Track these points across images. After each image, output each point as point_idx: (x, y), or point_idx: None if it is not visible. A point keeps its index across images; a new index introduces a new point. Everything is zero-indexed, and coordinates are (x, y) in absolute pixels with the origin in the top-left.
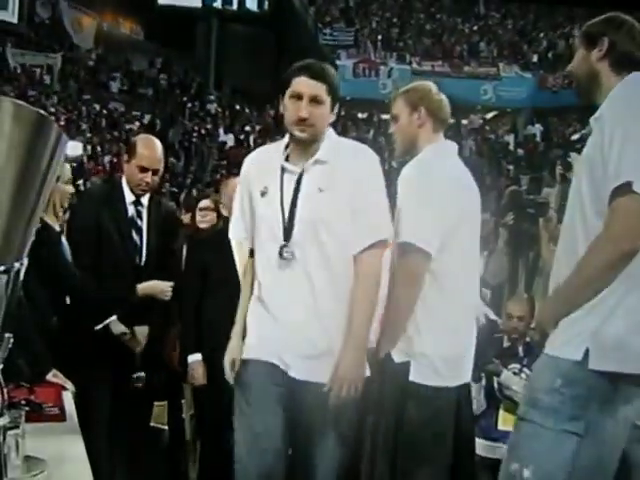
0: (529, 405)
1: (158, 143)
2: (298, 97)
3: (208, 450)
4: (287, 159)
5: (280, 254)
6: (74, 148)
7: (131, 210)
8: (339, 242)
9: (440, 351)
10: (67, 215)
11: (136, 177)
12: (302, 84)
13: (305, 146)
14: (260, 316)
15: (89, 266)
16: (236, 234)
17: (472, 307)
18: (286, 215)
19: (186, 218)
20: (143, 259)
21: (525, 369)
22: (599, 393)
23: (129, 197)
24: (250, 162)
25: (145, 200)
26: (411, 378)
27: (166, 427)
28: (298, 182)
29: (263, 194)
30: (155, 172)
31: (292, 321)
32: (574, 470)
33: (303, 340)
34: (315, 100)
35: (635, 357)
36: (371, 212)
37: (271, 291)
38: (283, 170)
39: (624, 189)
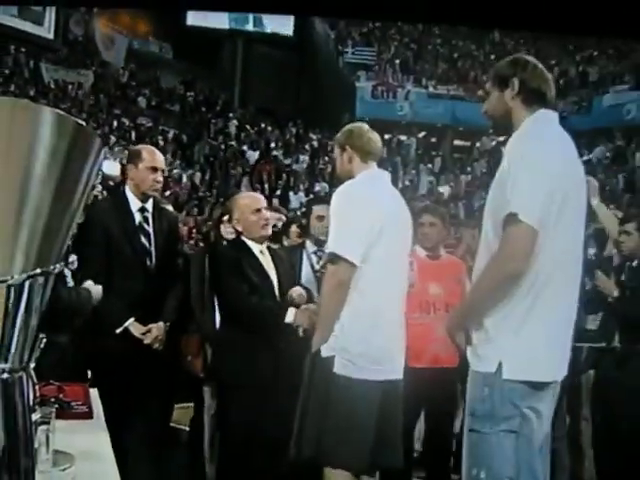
0: (470, 416)
1: (155, 149)
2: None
3: (229, 450)
4: None
5: None
6: (112, 167)
7: (138, 217)
8: None
9: (360, 348)
10: None
11: (148, 178)
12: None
13: None
14: None
15: (99, 272)
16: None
17: (398, 310)
18: None
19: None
20: (153, 262)
21: None
22: (521, 395)
23: (134, 205)
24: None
25: (149, 206)
26: (334, 370)
27: (186, 428)
28: None
29: None
30: (162, 172)
31: None
32: (518, 462)
33: None
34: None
35: (537, 367)
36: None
37: None
38: None
39: (513, 218)
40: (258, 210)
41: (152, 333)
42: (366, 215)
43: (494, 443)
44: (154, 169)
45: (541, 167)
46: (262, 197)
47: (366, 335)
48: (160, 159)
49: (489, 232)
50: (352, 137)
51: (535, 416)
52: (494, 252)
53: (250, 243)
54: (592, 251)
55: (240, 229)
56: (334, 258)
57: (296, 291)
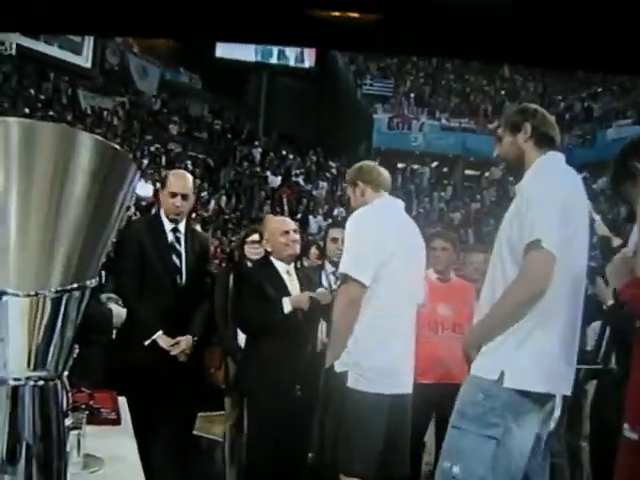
0: (458, 415)
1: (187, 174)
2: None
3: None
4: None
5: None
6: (144, 189)
7: (170, 237)
8: None
9: (372, 363)
10: None
11: (169, 203)
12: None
13: None
14: None
15: (131, 287)
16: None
17: (409, 328)
18: None
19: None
20: (184, 280)
21: None
22: (512, 406)
23: (168, 225)
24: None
25: (182, 227)
26: (348, 384)
27: (207, 435)
28: None
29: None
30: (184, 197)
31: None
32: (493, 468)
33: None
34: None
35: (538, 379)
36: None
37: None
38: None
39: (535, 244)
40: (287, 232)
41: (180, 345)
42: (377, 237)
43: (473, 443)
44: (173, 194)
45: (555, 200)
46: (290, 220)
47: (378, 350)
48: (180, 184)
49: (506, 259)
50: (362, 173)
51: (520, 431)
52: (513, 276)
53: (277, 263)
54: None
55: (269, 249)
56: (345, 278)
57: (319, 289)
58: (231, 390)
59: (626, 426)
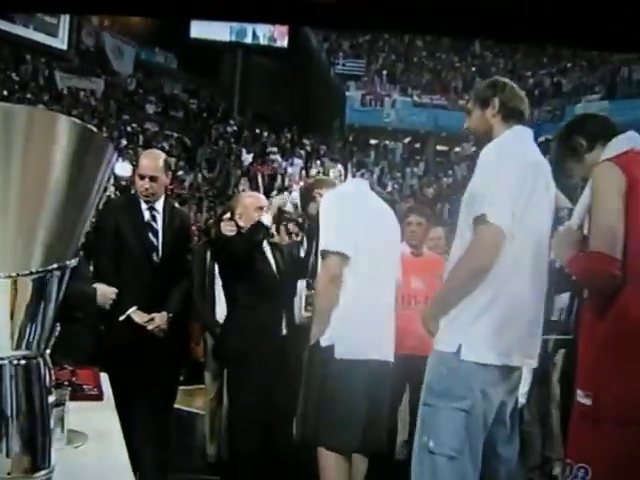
0: (427, 391)
1: (158, 155)
2: None
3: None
4: None
5: None
6: (123, 169)
7: (147, 215)
8: None
9: (358, 334)
10: None
11: (137, 185)
12: None
13: None
14: None
15: (108, 266)
16: None
17: (389, 299)
18: None
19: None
20: (160, 257)
21: None
22: (475, 378)
23: (144, 204)
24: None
25: (159, 206)
26: (336, 356)
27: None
28: None
29: None
30: (153, 179)
31: None
32: (466, 438)
33: None
34: None
35: (495, 352)
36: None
37: None
38: None
39: (482, 219)
40: (260, 208)
41: (154, 321)
42: (354, 213)
43: (444, 418)
44: (142, 177)
45: (509, 171)
46: (263, 197)
47: (363, 322)
48: (149, 166)
49: (465, 231)
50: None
51: (486, 400)
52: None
53: None
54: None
55: (242, 225)
56: (326, 254)
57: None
58: (213, 359)
59: (580, 392)
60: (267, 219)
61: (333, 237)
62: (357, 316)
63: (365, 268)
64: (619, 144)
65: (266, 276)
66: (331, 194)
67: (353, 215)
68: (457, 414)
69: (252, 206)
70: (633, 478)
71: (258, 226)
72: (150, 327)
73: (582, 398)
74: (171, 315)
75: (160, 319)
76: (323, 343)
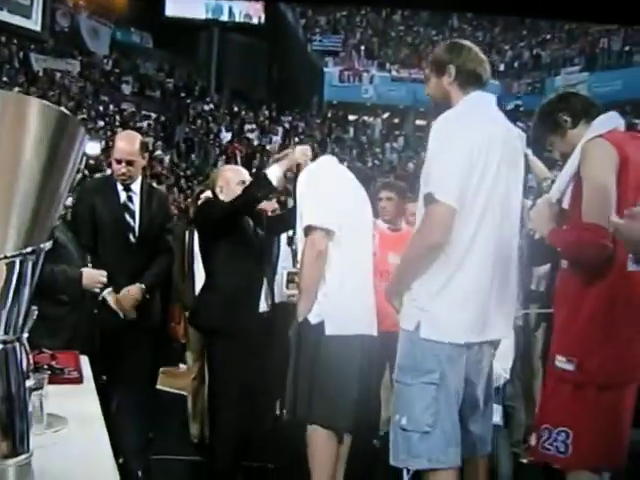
0: (397, 368)
1: (134, 137)
2: None
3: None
4: None
5: None
6: (92, 148)
7: (123, 196)
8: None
9: (346, 310)
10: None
11: (114, 168)
12: None
13: None
14: None
15: (87, 245)
16: None
17: (370, 274)
18: None
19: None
20: (137, 238)
21: None
22: (440, 352)
23: (121, 185)
24: None
25: (136, 187)
26: (327, 333)
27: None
28: None
29: None
30: (129, 163)
31: None
32: (438, 412)
33: None
34: None
35: (453, 329)
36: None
37: None
38: None
39: (430, 197)
40: (243, 182)
41: (130, 292)
42: (335, 189)
43: (415, 393)
44: (118, 161)
45: (459, 147)
46: (245, 171)
47: (350, 297)
48: (125, 150)
49: (422, 207)
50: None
51: (454, 371)
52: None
53: None
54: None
55: (223, 198)
56: (310, 229)
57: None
58: (193, 325)
59: (560, 358)
60: (275, 173)
61: (317, 213)
62: (344, 291)
63: (348, 243)
64: (605, 122)
65: (247, 246)
66: (309, 171)
67: (334, 191)
68: (427, 388)
69: (233, 180)
70: (611, 440)
71: (261, 179)
72: (127, 301)
73: (563, 364)
74: (144, 287)
75: (135, 291)
76: (312, 320)
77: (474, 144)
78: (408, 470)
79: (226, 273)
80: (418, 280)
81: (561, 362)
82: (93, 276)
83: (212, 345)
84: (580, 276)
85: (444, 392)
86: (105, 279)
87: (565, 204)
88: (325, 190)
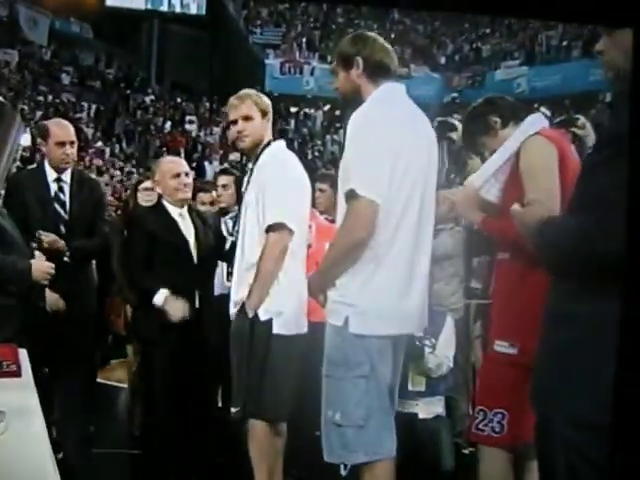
0: (326, 362)
1: (67, 122)
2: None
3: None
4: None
5: None
6: (24, 139)
7: (54, 187)
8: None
9: (291, 308)
10: None
11: (57, 153)
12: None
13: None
14: None
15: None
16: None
17: (304, 264)
18: None
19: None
20: (68, 229)
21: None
22: (370, 345)
23: (51, 176)
24: None
25: (67, 177)
26: (274, 331)
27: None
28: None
29: None
30: (72, 144)
31: None
32: (369, 405)
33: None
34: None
35: (380, 322)
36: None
37: None
38: None
39: (352, 193)
40: (178, 175)
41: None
42: (293, 180)
43: (346, 388)
44: (62, 143)
45: (378, 141)
46: (184, 162)
47: (294, 295)
48: (65, 132)
49: (343, 203)
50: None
51: (383, 363)
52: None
53: (169, 207)
54: None
55: (160, 191)
56: (280, 226)
57: None
58: (133, 336)
59: (500, 342)
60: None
61: (284, 209)
62: (293, 290)
63: (295, 242)
64: (536, 121)
65: (179, 249)
66: (275, 160)
67: (294, 183)
68: (358, 381)
69: (170, 172)
70: None
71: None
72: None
73: (505, 348)
74: (67, 249)
75: (53, 241)
76: (262, 317)
77: (394, 137)
78: (345, 465)
79: (159, 282)
80: (343, 277)
81: (502, 347)
82: (41, 268)
83: (146, 354)
84: (518, 263)
85: (375, 384)
86: (53, 271)
87: (492, 197)
88: (289, 183)
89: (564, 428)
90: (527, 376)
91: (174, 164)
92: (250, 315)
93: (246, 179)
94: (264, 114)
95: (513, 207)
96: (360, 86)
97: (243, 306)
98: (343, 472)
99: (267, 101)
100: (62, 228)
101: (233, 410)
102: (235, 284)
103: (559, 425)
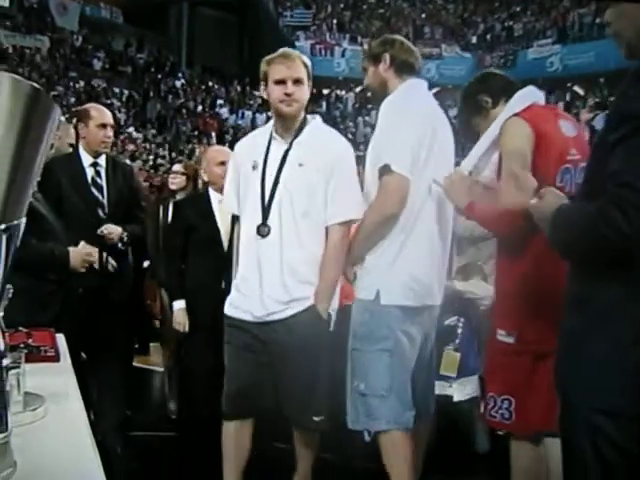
0: (353, 336)
1: (104, 108)
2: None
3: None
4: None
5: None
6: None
7: (90, 172)
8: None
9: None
10: None
11: (99, 135)
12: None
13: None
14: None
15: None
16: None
17: None
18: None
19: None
20: (106, 212)
21: (462, 319)
22: (395, 319)
23: (87, 161)
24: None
25: (102, 161)
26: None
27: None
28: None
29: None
30: (112, 127)
31: None
32: (392, 377)
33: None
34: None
35: (413, 293)
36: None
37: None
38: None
39: (386, 168)
40: (222, 163)
41: (109, 233)
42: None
43: (371, 360)
44: (103, 125)
45: (407, 122)
46: (229, 151)
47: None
48: (106, 115)
49: (369, 181)
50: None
51: (407, 339)
52: (373, 198)
53: (212, 195)
54: None
55: (206, 179)
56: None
57: None
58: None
59: (501, 331)
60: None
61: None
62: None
63: None
64: (522, 99)
65: (211, 239)
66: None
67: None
68: (382, 355)
69: (213, 160)
70: (550, 405)
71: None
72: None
73: (504, 337)
74: (126, 234)
75: (114, 229)
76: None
77: (419, 121)
78: (369, 432)
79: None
80: (372, 254)
81: (502, 335)
82: (80, 256)
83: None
84: (504, 251)
85: (398, 359)
86: (92, 258)
87: (484, 180)
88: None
89: (591, 415)
90: (529, 364)
91: (219, 153)
92: (325, 316)
93: (277, 155)
94: (308, 80)
95: (531, 202)
96: (387, 80)
97: (307, 309)
98: (367, 438)
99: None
100: (101, 213)
101: (316, 419)
102: (277, 280)
103: (586, 412)
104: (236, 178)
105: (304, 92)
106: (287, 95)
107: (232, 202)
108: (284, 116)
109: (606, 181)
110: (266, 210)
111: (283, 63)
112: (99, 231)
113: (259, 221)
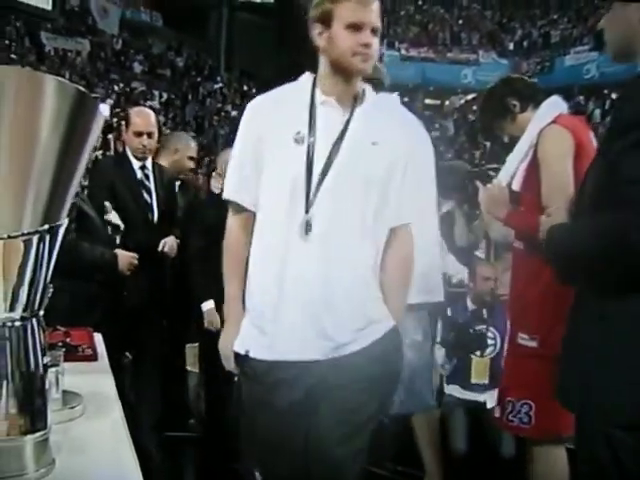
0: None
1: (149, 112)
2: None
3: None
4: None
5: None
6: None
7: (139, 174)
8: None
9: None
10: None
11: (135, 142)
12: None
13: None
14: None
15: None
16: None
17: None
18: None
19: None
20: (155, 216)
21: (491, 328)
22: (414, 317)
23: (136, 163)
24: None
25: (149, 164)
26: None
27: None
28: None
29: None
30: (150, 135)
31: None
32: (414, 366)
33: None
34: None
35: (413, 290)
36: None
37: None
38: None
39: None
40: None
41: (166, 245)
42: None
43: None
44: (139, 134)
45: None
46: None
47: None
48: (144, 123)
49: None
50: None
51: (420, 333)
52: None
53: None
54: None
55: (220, 181)
56: None
57: None
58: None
59: (522, 335)
60: None
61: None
62: None
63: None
64: (551, 108)
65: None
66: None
67: None
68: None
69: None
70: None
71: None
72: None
73: (526, 341)
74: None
75: (170, 242)
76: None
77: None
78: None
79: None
80: None
81: (524, 340)
82: (127, 259)
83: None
84: (534, 255)
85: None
86: (137, 262)
87: (516, 187)
88: None
89: (611, 429)
90: (551, 367)
91: None
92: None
93: (331, 126)
94: None
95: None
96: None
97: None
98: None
99: None
100: (150, 216)
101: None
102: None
103: (605, 427)
104: (257, 156)
105: (378, 48)
106: (364, 46)
107: (247, 191)
108: (353, 74)
109: (619, 188)
110: (311, 202)
111: (360, 2)
112: (159, 248)
113: (301, 216)
